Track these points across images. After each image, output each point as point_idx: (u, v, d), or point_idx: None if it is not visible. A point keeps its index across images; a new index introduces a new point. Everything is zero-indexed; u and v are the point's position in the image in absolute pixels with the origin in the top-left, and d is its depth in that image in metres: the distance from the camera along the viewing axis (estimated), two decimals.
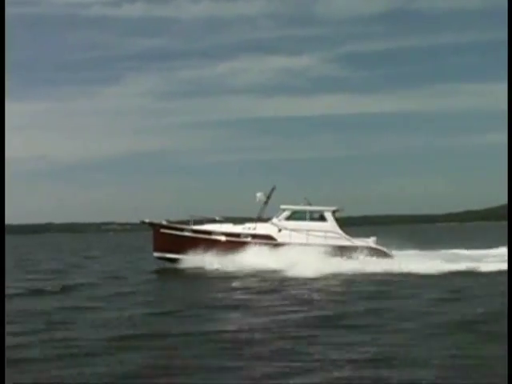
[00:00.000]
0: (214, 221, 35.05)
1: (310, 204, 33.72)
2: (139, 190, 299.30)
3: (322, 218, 33.11)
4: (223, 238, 32.70)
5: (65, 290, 23.13)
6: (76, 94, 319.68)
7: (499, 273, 24.94)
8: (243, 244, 32.08)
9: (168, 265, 33.74)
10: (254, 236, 32.60)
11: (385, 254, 31.65)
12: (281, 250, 31.29)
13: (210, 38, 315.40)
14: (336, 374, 10.12)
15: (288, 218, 33.11)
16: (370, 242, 32.64)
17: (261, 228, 32.90)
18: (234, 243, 32.17)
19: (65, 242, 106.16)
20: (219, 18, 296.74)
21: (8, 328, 12.72)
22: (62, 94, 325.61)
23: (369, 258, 30.74)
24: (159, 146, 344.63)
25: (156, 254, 34.74)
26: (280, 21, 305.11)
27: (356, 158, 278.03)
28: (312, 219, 33.17)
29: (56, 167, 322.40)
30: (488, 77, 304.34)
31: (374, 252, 31.53)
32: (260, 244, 31.93)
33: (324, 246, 31.45)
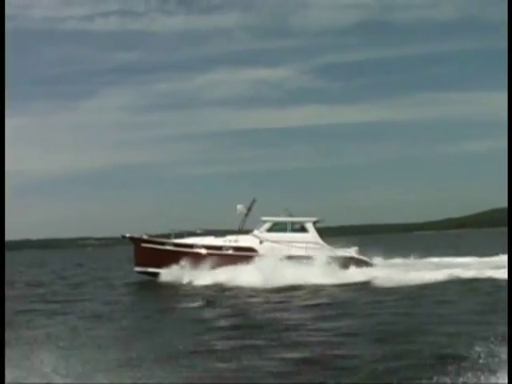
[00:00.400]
0: (194, 234, 34.93)
1: (291, 215, 33.72)
2: (117, 204, 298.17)
3: (304, 229, 33.10)
4: (205, 251, 32.55)
5: None
6: (53, 108, 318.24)
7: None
8: (225, 257, 31.95)
9: (148, 278, 33.54)
10: (236, 248, 32.50)
11: (367, 264, 31.73)
12: (261, 262, 31.11)
13: (187, 51, 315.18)
14: None
15: (269, 230, 33.05)
16: (352, 252, 32.68)
17: (242, 240, 32.80)
18: (216, 256, 32.02)
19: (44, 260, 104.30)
20: (195, 30, 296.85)
21: None
22: (39, 108, 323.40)
23: (351, 269, 30.73)
24: (137, 159, 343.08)
25: (137, 269, 34.52)
26: (256, 33, 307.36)
27: (334, 168, 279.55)
28: (293, 230, 33.16)
29: (32, 182, 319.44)
30: (464, 86, 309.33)
31: (356, 262, 31.55)
32: (241, 257, 31.78)
33: (305, 257, 31.39)
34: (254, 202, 34.12)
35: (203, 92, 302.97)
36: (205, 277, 30.14)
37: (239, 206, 33.79)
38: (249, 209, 33.87)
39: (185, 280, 30.50)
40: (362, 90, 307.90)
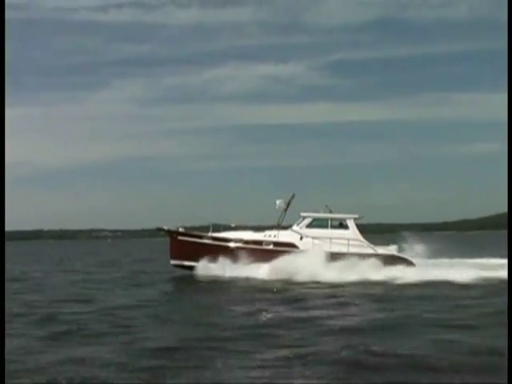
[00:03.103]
0: (229, 228, 34.68)
1: (330, 211, 33.37)
2: (126, 196, 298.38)
3: (343, 226, 32.76)
4: (244, 246, 32.24)
5: None
6: (62, 99, 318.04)
7: None
8: (265, 252, 31.66)
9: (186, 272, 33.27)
10: (276, 244, 32.20)
11: (408, 263, 31.29)
12: (304, 256, 30.83)
13: (197, 45, 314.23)
14: None
15: (309, 226, 32.72)
16: (393, 250, 32.33)
17: (282, 236, 32.48)
18: (256, 251, 31.73)
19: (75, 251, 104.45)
20: (207, 24, 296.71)
21: None
22: (48, 99, 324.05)
23: (393, 267, 30.35)
24: (146, 152, 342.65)
25: (173, 262, 34.25)
26: (268, 28, 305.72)
27: (344, 166, 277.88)
28: (332, 227, 32.83)
29: (41, 173, 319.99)
30: (478, 87, 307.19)
31: (397, 260, 31.16)
32: (282, 252, 31.50)
33: (347, 253, 31.08)
34: (293, 196, 33.80)
35: (212, 86, 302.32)
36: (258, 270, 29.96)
37: (278, 201, 33.44)
38: (288, 204, 33.53)
39: (227, 274, 30.23)
40: (372, 88, 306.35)
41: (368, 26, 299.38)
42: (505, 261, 33.44)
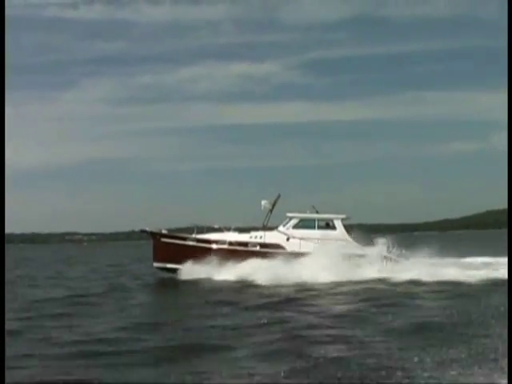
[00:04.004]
0: (213, 229, 33.95)
1: (317, 212, 32.86)
2: (99, 198, 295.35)
3: (330, 226, 32.26)
4: (230, 248, 31.57)
5: None
6: (32, 99, 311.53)
7: None
8: (251, 253, 31.03)
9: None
10: (263, 245, 31.58)
11: (396, 262, 30.90)
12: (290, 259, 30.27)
13: (171, 43, 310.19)
14: None
15: (296, 227, 32.16)
16: (381, 249, 31.83)
17: (269, 237, 31.87)
18: (242, 252, 31.08)
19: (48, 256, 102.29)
20: (181, 22, 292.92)
21: None
22: (18, 98, 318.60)
23: (381, 266, 29.97)
24: (118, 153, 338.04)
25: (156, 265, 33.48)
26: (244, 26, 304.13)
27: (321, 166, 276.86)
28: (320, 227, 32.32)
29: (11, 175, 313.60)
30: (454, 85, 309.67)
31: (385, 260, 30.75)
32: (268, 254, 30.90)
33: (335, 254, 30.55)
34: (278, 197, 33.23)
35: (187, 86, 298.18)
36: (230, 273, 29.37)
37: (264, 202, 32.86)
38: (273, 204, 32.94)
39: (212, 277, 29.55)
40: (349, 87, 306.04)
41: (345, 24, 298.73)
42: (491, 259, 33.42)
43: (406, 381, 9.41)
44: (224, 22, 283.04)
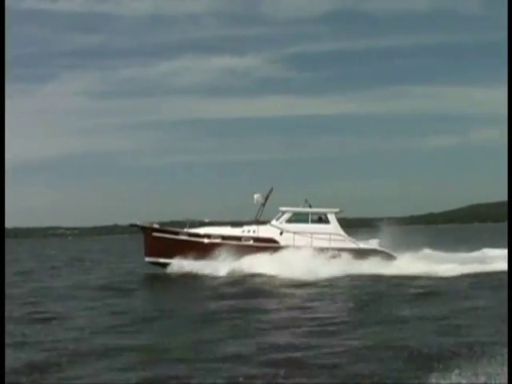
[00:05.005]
0: (203, 224, 33.65)
1: (310, 206, 32.63)
2: (80, 193, 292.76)
3: (323, 220, 32.06)
4: (223, 242, 31.26)
5: None
6: (10, 92, 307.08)
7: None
8: (244, 248, 30.76)
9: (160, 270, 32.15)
10: (256, 239, 31.31)
11: (390, 257, 30.80)
12: (283, 253, 30.10)
13: (152, 36, 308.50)
14: None
15: (289, 221, 31.92)
16: (375, 244, 31.75)
17: (262, 231, 31.59)
18: (235, 247, 30.78)
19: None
20: (162, 15, 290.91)
21: None
22: None
23: (375, 261, 29.83)
24: (98, 147, 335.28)
25: (148, 259, 33.09)
26: (225, 20, 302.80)
27: (301, 160, 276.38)
28: (312, 221, 32.10)
29: None
30: (435, 80, 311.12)
31: (379, 254, 30.62)
32: (261, 248, 30.66)
33: (329, 248, 30.43)
34: (271, 191, 32.94)
35: (167, 79, 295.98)
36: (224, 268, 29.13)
37: (256, 195, 32.58)
38: (266, 198, 32.66)
39: (205, 271, 29.28)
40: (331, 81, 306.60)
41: (326, 18, 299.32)
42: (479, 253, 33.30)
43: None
44: (205, 16, 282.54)
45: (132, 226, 34.43)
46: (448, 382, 8.85)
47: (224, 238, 31.50)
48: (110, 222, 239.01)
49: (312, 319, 16.27)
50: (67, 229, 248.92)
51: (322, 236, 31.00)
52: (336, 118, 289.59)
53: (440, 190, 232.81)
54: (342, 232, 31.55)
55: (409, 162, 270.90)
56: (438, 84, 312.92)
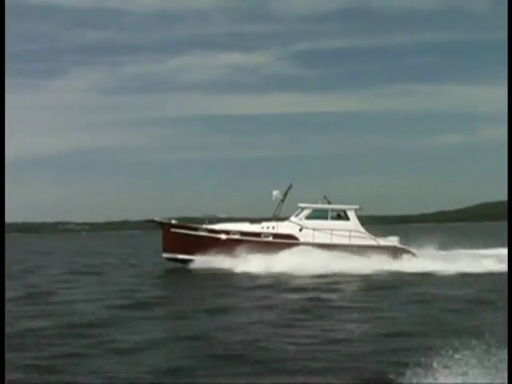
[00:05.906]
0: (220, 220, 33.50)
1: (329, 202, 32.47)
2: (92, 187, 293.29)
3: (343, 217, 31.85)
4: (243, 238, 31.12)
5: None
6: (20, 87, 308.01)
7: None
8: (264, 244, 30.62)
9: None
10: (276, 235, 31.17)
11: (411, 254, 30.58)
12: (303, 249, 29.95)
13: (161, 33, 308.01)
14: None
15: (308, 217, 31.75)
16: (395, 241, 31.54)
17: (281, 227, 31.45)
18: (254, 243, 30.64)
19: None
20: (171, 11, 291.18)
21: None
22: (5, 87, 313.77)
23: (395, 258, 29.67)
24: (106, 143, 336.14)
25: (166, 255, 33.00)
26: (234, 16, 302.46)
27: (310, 157, 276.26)
28: (331, 218, 31.92)
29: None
30: (444, 77, 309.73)
31: (399, 251, 30.44)
32: (281, 244, 30.52)
33: (349, 245, 30.28)
34: (290, 187, 32.82)
35: (176, 75, 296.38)
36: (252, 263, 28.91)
37: (275, 192, 32.43)
38: (285, 194, 32.52)
39: (224, 267, 29.12)
40: (339, 78, 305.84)
41: (334, 16, 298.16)
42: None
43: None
44: (214, 12, 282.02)
45: (149, 221, 34.30)
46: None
47: (243, 234, 31.38)
48: (119, 218, 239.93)
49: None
50: (78, 224, 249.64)
51: (342, 233, 30.83)
52: (344, 115, 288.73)
53: (450, 189, 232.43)
54: (362, 229, 31.36)
55: (422, 160, 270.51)
56: (447, 82, 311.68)
